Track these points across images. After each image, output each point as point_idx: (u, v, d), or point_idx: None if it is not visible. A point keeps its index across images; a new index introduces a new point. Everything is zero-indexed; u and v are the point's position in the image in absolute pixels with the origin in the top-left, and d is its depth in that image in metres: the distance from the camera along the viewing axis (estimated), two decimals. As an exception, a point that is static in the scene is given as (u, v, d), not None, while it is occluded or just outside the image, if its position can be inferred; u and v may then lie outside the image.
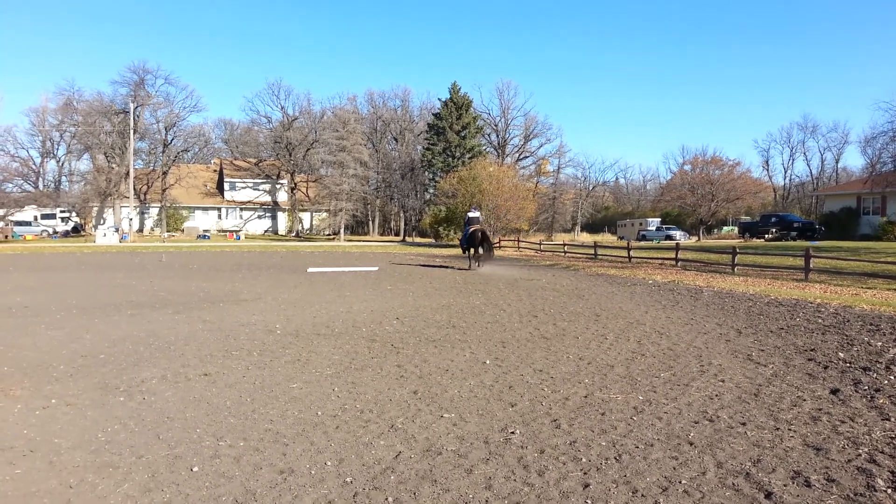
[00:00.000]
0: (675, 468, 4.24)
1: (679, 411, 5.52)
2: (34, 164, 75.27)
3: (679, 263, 23.70)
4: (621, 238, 59.13)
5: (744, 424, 5.15)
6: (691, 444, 4.71)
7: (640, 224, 62.16)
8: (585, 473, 4.15)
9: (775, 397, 5.98)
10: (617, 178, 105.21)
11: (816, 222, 47.84)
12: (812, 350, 8.17)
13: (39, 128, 73.57)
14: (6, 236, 48.60)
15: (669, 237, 52.16)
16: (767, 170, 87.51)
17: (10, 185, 58.75)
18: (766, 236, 46.42)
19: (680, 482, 4.00)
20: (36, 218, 58.95)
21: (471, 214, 24.81)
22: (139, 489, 3.94)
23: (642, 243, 47.03)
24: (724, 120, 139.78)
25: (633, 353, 8.10)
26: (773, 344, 8.65)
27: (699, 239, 54.66)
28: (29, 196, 62.31)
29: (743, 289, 15.46)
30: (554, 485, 3.97)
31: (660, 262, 25.32)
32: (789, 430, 5.02)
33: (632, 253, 27.37)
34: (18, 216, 54.83)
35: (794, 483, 3.99)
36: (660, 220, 64.49)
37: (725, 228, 70.05)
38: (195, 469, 4.26)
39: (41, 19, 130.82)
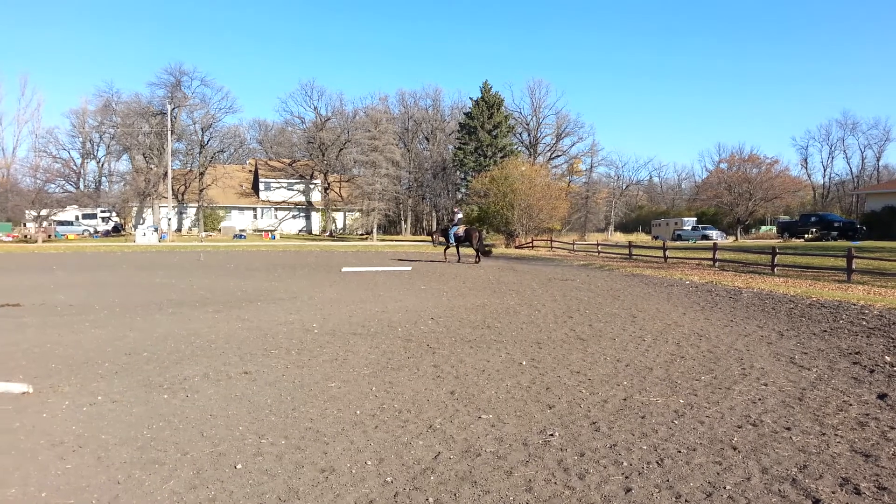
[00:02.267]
0: (718, 473, 4.17)
1: (721, 415, 5.44)
2: (75, 165, 77.46)
3: (716, 264, 23.33)
4: (656, 238, 58.41)
5: (788, 429, 5.05)
6: (735, 448, 4.63)
7: (676, 224, 61.37)
8: (627, 477, 4.11)
9: (820, 402, 5.85)
10: (651, 177, 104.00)
11: (857, 222, 46.66)
12: (857, 353, 7.97)
13: (80, 129, 75.65)
14: (49, 236, 50.00)
15: (706, 237, 51.42)
16: (806, 168, 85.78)
17: (53, 186, 60.56)
18: (806, 236, 45.46)
19: (724, 487, 3.94)
20: (77, 218, 60.48)
21: (457, 216, 28.07)
22: (184, 486, 4.02)
23: (678, 243, 46.40)
24: (762, 117, 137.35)
25: (672, 355, 8.00)
26: (816, 347, 8.47)
27: (737, 239, 53.79)
28: (70, 196, 64.10)
29: (783, 290, 15.15)
30: (595, 488, 3.94)
31: (696, 262, 24.94)
32: (836, 435, 4.91)
33: (667, 253, 27.02)
34: (61, 216, 56.37)
35: (842, 490, 3.90)
36: (695, 219, 63.62)
37: (763, 228, 68.81)
38: (238, 466, 4.33)
39: (80, 22, 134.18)
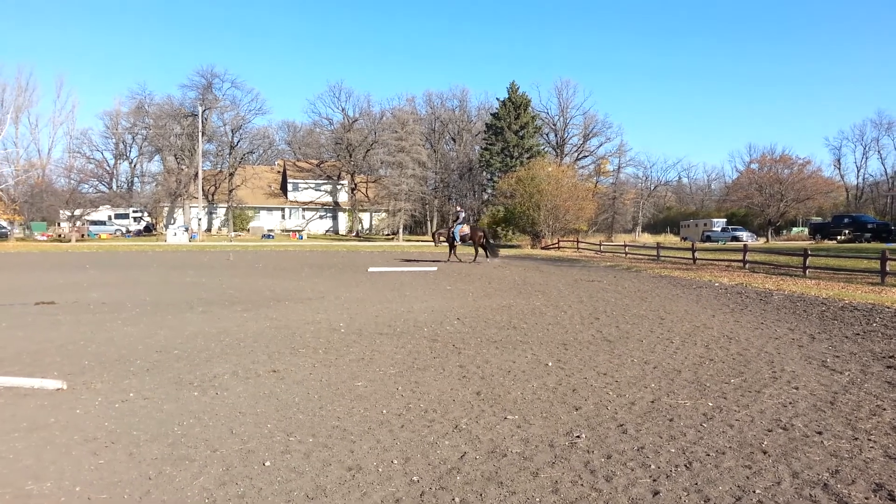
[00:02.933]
0: (748, 477, 4.12)
1: (751, 419, 5.36)
2: (108, 165, 79.00)
3: (747, 266, 22.98)
4: (684, 239, 57.76)
5: (820, 433, 4.96)
6: (765, 452, 4.57)
7: (705, 225, 60.57)
8: (655, 480, 4.08)
9: (853, 406, 5.74)
10: (680, 178, 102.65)
11: (892, 223, 45.63)
12: (891, 357, 7.80)
13: (113, 131, 77.13)
14: (82, 235, 51.06)
15: (736, 238, 50.71)
16: (839, 169, 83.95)
17: (86, 186, 61.85)
18: (839, 238, 44.61)
19: (754, 491, 3.89)
20: (110, 217, 61.66)
21: (461, 215, 28.54)
22: (214, 482, 4.08)
23: (707, 244, 45.79)
24: (793, 117, 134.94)
25: (701, 357, 7.90)
26: (848, 350, 8.30)
27: (767, 240, 52.95)
28: (103, 196, 65.40)
29: (815, 292, 14.88)
30: (622, 491, 3.91)
31: (726, 264, 24.60)
32: (869, 440, 4.81)
33: (696, 254, 26.70)
34: (94, 216, 57.52)
35: (875, 496, 3.82)
36: (725, 220, 62.75)
37: (795, 229, 67.64)
38: (267, 464, 4.38)
39: (113, 25, 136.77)
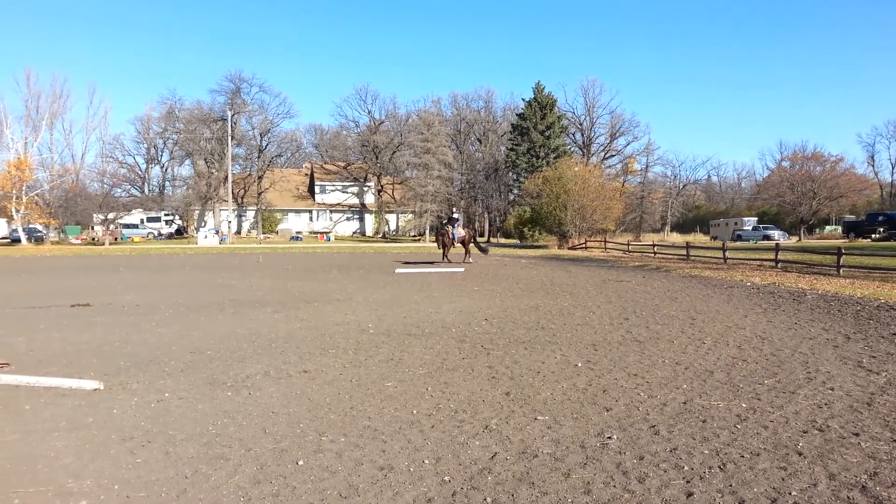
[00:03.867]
0: (783, 479, 4.06)
1: (786, 420, 5.28)
2: (140, 170, 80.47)
3: (779, 265, 22.59)
4: (714, 238, 56.97)
5: (857, 435, 4.87)
6: (800, 454, 4.50)
7: (736, 223, 59.66)
8: (688, 482, 4.04)
9: (890, 407, 5.62)
10: (709, 176, 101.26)
11: (929, 221, 44.48)
12: (932, 358, 7.62)
13: (144, 135, 78.61)
14: (116, 238, 52.00)
15: (767, 237, 49.89)
16: (873, 166, 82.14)
17: (119, 190, 63.13)
18: (873, 236, 43.66)
19: (790, 493, 3.83)
20: (142, 221, 62.70)
21: (455, 216, 28.48)
22: (249, 481, 4.14)
23: (738, 244, 45.12)
24: (825, 113, 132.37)
25: (734, 358, 7.80)
26: (885, 350, 8.13)
27: (800, 239, 52.01)
28: (136, 200, 66.68)
29: (850, 291, 14.58)
30: (655, 492, 3.89)
31: (758, 263, 24.21)
32: (909, 443, 4.71)
33: (727, 254, 26.31)
34: (126, 219, 58.60)
35: (917, 500, 3.74)
36: (756, 219, 61.69)
37: (828, 228, 66.35)
38: (300, 463, 4.44)
39: (144, 32, 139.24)
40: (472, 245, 28.08)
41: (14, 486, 4.02)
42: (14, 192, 46.57)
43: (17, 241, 48.16)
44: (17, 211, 47.07)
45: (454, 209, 31.63)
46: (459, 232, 27.37)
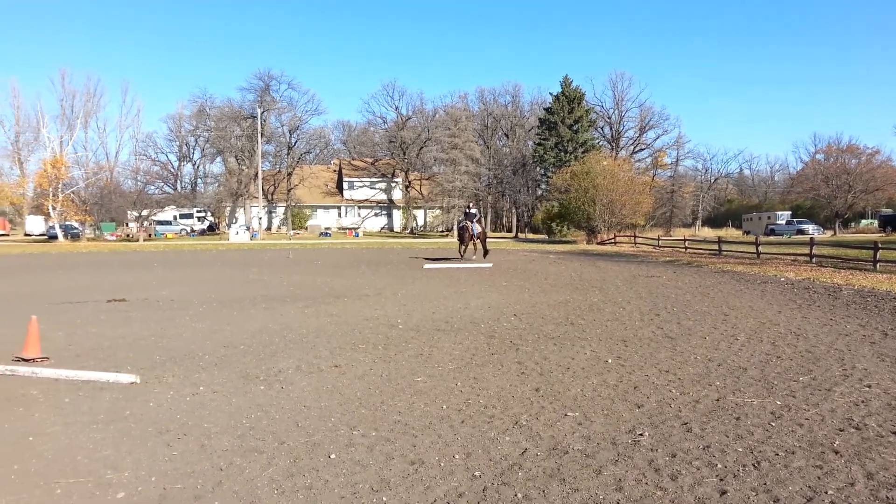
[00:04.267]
0: (819, 478, 4.00)
1: (821, 418, 5.19)
2: (173, 167, 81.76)
3: (813, 259, 22.13)
4: (747, 233, 56.10)
5: (895, 434, 4.78)
6: (836, 452, 4.42)
7: (769, 218, 58.66)
8: (722, 480, 3.99)
9: (932, 406, 5.49)
10: (741, 170, 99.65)
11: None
12: (975, 356, 7.42)
13: (177, 133, 79.79)
14: (149, 234, 52.97)
15: (801, 231, 48.99)
16: (910, 158, 79.85)
17: (152, 188, 64.14)
18: (913, 230, 42.50)
19: (826, 492, 3.77)
20: (175, 217, 63.70)
21: (467, 210, 27.19)
22: (282, 473, 4.20)
23: (771, 238, 44.32)
24: (860, 105, 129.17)
25: (768, 354, 7.68)
26: (927, 348, 7.93)
27: (835, 233, 50.99)
28: (169, 197, 67.72)
29: (887, 287, 14.23)
30: (688, 490, 3.85)
31: (792, 258, 23.75)
32: (951, 442, 4.60)
33: (760, 248, 25.86)
34: (160, 216, 59.55)
35: (960, 501, 3.66)
36: (790, 213, 60.61)
37: (864, 222, 64.87)
38: (332, 456, 4.49)
39: (175, 31, 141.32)
40: (479, 243, 26.61)
41: (56, 477, 4.13)
42: (51, 189, 47.67)
43: (53, 237, 49.27)
44: (54, 208, 48.18)
45: (471, 204, 29.97)
46: (477, 227, 26.48)
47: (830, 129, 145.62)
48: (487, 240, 27.25)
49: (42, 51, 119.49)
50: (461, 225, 26.65)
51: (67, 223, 51.38)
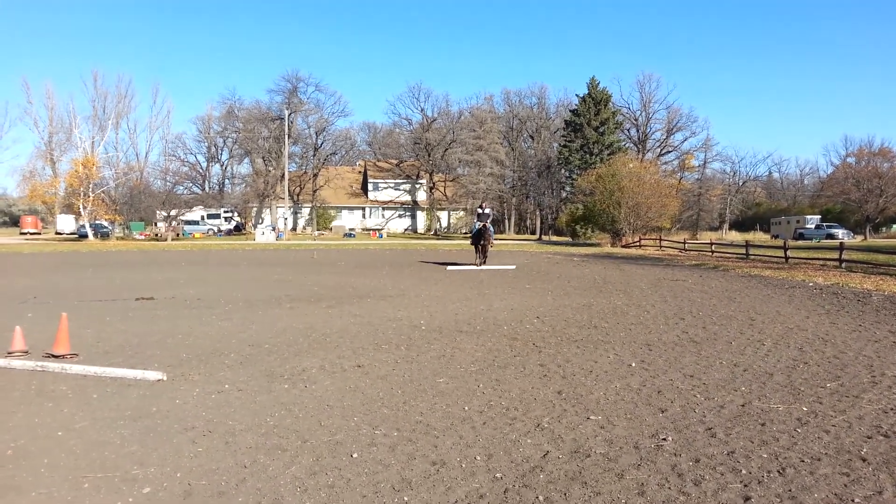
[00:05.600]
0: (846, 485, 3.93)
1: (849, 425, 5.11)
2: (201, 168, 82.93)
3: (843, 265, 21.73)
4: (775, 237, 55.23)
5: (927, 443, 4.67)
6: (864, 460, 4.34)
7: (798, 222, 57.69)
8: (746, 486, 3.95)
9: (965, 415, 5.36)
10: (770, 173, 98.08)
11: None
12: None
13: (205, 135, 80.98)
14: (177, 234, 53.70)
15: (831, 236, 48.07)
16: (945, 162, 77.92)
17: (181, 188, 65.06)
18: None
19: (852, 500, 3.71)
20: (203, 217, 64.47)
21: (481, 210, 24.62)
22: (305, 472, 4.24)
23: (800, 242, 43.61)
24: (892, 107, 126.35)
25: (795, 360, 7.57)
26: (960, 356, 7.75)
27: (865, 238, 50.02)
28: (197, 197, 68.67)
29: (921, 293, 13.94)
30: (712, 496, 3.81)
31: (821, 262, 23.35)
32: (985, 452, 4.49)
33: (789, 253, 25.47)
34: (188, 216, 60.36)
35: None
36: (819, 217, 59.51)
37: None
38: (355, 455, 4.52)
39: (205, 32, 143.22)
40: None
41: (84, 472, 4.21)
42: (82, 189, 48.54)
43: (84, 236, 50.14)
44: (85, 207, 49.03)
45: (483, 203, 26.52)
46: (490, 229, 23.36)
47: (862, 131, 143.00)
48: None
49: (75, 52, 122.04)
50: (476, 230, 23.49)
51: (97, 222, 52.27)
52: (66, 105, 60.17)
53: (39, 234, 62.91)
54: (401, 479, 4.10)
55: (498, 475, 4.16)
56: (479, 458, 4.47)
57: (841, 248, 22.91)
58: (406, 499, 3.82)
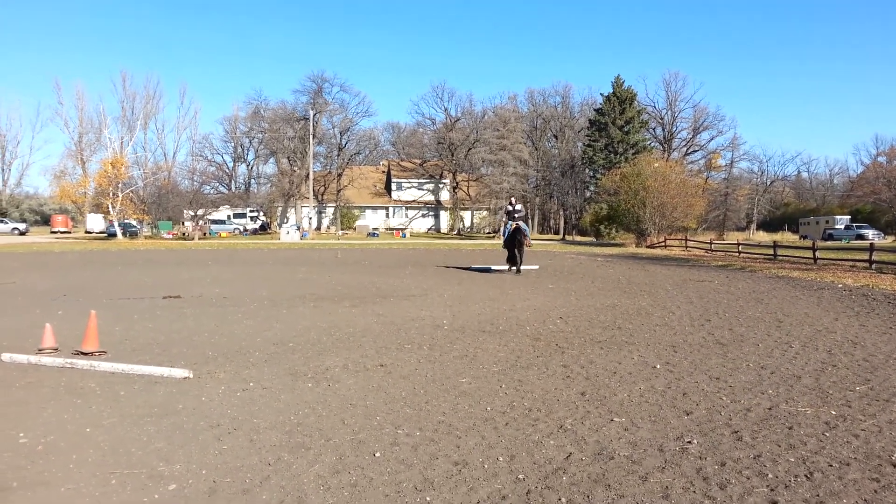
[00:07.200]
0: (875, 491, 3.86)
1: (879, 429, 5.01)
2: (227, 168, 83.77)
3: (873, 266, 21.31)
4: (804, 237, 54.32)
5: (960, 449, 4.57)
6: (894, 465, 4.26)
7: (827, 222, 56.76)
8: (772, 490, 3.89)
9: None
10: (799, 172, 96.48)
11: None
12: None
13: (232, 135, 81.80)
14: (204, 233, 54.34)
15: (861, 237, 47.20)
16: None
17: (208, 188, 65.87)
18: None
19: (883, 507, 3.64)
20: (229, 217, 65.21)
21: (511, 208, 21.51)
22: (328, 470, 4.27)
23: (829, 243, 42.89)
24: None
25: (823, 363, 7.44)
26: None
27: (897, 239, 48.89)
28: (223, 197, 69.42)
29: (956, 296, 13.61)
30: (737, 499, 3.76)
31: (850, 264, 22.93)
32: None
33: (817, 254, 25.04)
34: (214, 215, 61.09)
35: None
36: (849, 217, 58.45)
37: (928, 227, 62.05)
38: (377, 454, 4.54)
39: (230, 34, 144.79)
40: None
41: (111, 468, 4.28)
42: (110, 189, 49.37)
43: (112, 235, 51.01)
44: (114, 207, 49.85)
45: (513, 199, 22.97)
46: (524, 228, 20.47)
47: (893, 130, 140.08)
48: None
49: (104, 52, 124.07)
50: (509, 232, 20.68)
51: (126, 221, 53.10)
52: (96, 106, 61.56)
53: (70, 232, 64.05)
54: (423, 479, 4.11)
55: (520, 476, 4.15)
56: (501, 458, 4.47)
57: (871, 248, 22.47)
58: (428, 499, 3.82)
